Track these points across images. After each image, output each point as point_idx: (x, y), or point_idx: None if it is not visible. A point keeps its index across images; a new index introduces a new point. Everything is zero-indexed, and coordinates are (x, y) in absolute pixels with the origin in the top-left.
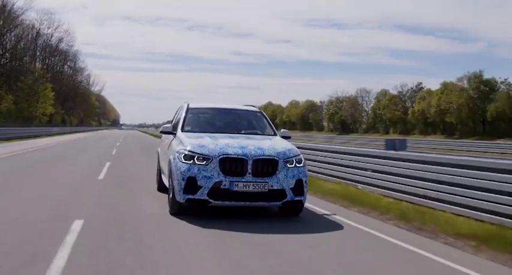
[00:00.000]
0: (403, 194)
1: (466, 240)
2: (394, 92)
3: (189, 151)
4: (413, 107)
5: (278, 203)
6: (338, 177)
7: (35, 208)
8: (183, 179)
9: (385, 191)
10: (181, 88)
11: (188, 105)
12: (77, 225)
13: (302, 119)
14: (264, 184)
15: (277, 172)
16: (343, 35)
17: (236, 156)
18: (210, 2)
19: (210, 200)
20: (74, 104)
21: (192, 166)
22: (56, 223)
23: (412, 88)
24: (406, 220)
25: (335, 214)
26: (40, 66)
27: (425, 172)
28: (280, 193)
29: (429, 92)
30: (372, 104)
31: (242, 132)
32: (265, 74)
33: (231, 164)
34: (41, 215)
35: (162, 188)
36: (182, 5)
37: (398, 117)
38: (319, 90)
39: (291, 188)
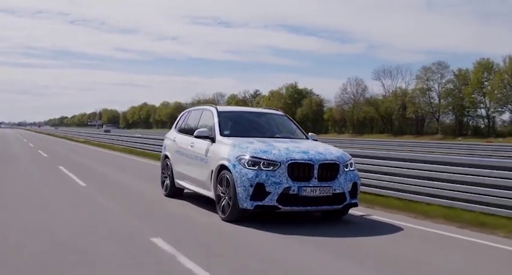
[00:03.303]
0: None
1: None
2: (240, 97)
3: (252, 156)
4: None
5: (339, 206)
6: None
7: (91, 231)
8: (251, 186)
9: None
10: (63, 85)
11: (217, 109)
12: (162, 243)
13: (172, 118)
14: (328, 188)
15: (339, 176)
16: (230, 33)
17: (304, 161)
18: None
19: (280, 206)
20: None
21: (260, 172)
22: (135, 244)
23: (251, 94)
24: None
25: (371, 215)
26: None
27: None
28: (341, 197)
29: (262, 97)
30: None
31: (277, 136)
32: (152, 72)
33: (299, 169)
34: (109, 239)
35: (173, 193)
36: None
37: None
38: (209, 89)
39: (348, 191)
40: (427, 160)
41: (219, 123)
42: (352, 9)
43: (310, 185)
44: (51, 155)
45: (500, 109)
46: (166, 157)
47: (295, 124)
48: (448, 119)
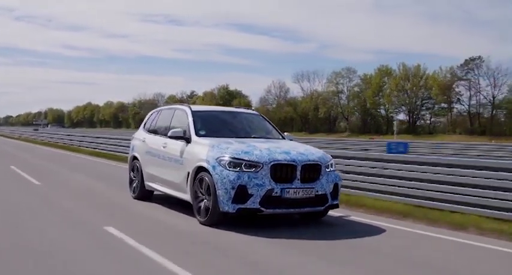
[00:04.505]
0: None
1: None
2: (178, 97)
3: (233, 157)
4: None
5: (321, 208)
6: None
7: None
8: (233, 188)
9: None
10: (9, 83)
11: (191, 108)
12: (139, 247)
13: (114, 118)
14: (311, 189)
15: (321, 177)
16: (180, 32)
17: (286, 162)
18: None
19: (262, 209)
20: None
21: (242, 174)
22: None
23: (188, 94)
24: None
25: (350, 215)
26: None
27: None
28: (323, 198)
29: (198, 97)
30: None
31: (253, 136)
32: (102, 70)
33: (282, 171)
34: None
35: (142, 196)
36: None
37: None
38: (158, 87)
39: (330, 193)
40: (403, 160)
41: (194, 123)
42: (304, 9)
43: (293, 186)
44: None
45: (396, 110)
46: (134, 158)
47: (270, 124)
48: (355, 118)
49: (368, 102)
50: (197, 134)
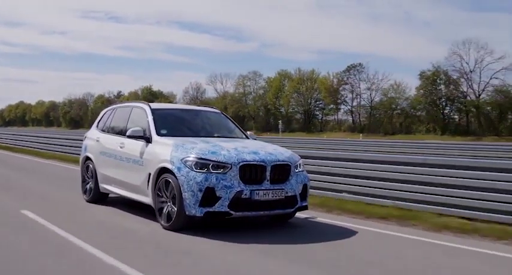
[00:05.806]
0: None
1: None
2: (107, 96)
3: (200, 158)
4: None
5: (291, 210)
6: None
7: None
8: (200, 191)
9: None
10: None
11: (150, 106)
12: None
13: (46, 116)
14: (281, 190)
15: (290, 178)
16: (122, 29)
17: (256, 162)
18: None
19: (231, 212)
20: None
21: (209, 175)
22: None
23: (115, 95)
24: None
25: (316, 217)
26: None
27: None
28: (293, 199)
29: (123, 97)
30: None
31: (216, 135)
32: (40, 67)
33: (251, 172)
34: None
35: (96, 199)
36: None
37: None
38: (101, 85)
39: (299, 194)
40: (373, 160)
41: (154, 122)
42: (246, 8)
43: (263, 188)
44: None
45: (294, 110)
46: (87, 158)
47: (233, 123)
48: (260, 118)
49: (269, 103)
50: (158, 134)
